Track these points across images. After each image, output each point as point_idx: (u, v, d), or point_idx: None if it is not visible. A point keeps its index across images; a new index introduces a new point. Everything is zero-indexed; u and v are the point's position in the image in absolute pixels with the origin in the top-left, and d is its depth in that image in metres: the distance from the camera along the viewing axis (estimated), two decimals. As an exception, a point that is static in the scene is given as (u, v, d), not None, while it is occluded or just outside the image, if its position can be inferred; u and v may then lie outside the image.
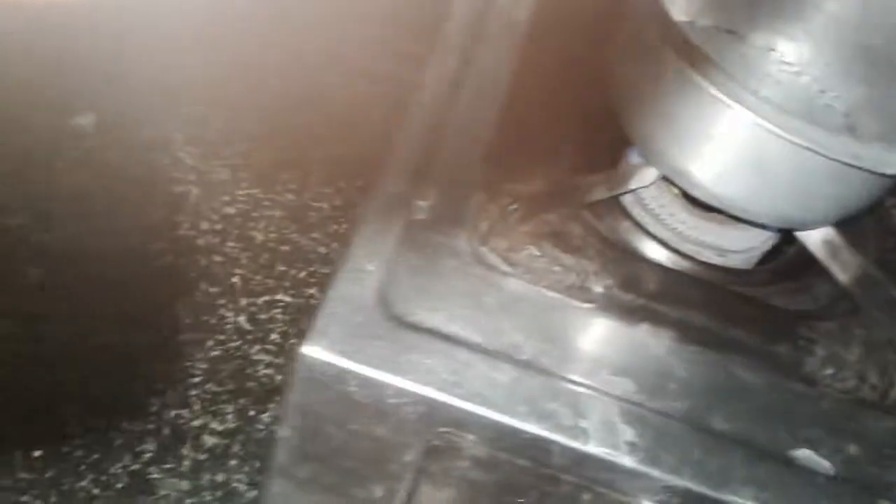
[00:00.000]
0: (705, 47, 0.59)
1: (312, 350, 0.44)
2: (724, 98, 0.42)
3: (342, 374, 0.44)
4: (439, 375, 0.44)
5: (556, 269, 0.49)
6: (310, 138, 0.81)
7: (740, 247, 0.56)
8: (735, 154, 0.45)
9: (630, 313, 0.49)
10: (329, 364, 0.44)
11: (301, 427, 0.46)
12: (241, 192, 0.75)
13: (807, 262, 0.55)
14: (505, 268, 0.49)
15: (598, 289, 0.49)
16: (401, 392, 0.44)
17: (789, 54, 0.60)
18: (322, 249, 0.73)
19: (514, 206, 0.49)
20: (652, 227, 0.56)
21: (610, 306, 0.49)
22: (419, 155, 0.53)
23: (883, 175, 0.43)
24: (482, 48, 0.60)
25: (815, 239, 0.53)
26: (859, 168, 0.42)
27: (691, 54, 0.43)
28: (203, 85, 0.81)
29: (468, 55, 0.60)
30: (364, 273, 0.47)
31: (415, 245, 0.49)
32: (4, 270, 0.64)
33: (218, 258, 0.70)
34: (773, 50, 0.60)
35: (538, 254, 0.49)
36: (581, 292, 0.49)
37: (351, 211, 0.75)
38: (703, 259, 0.55)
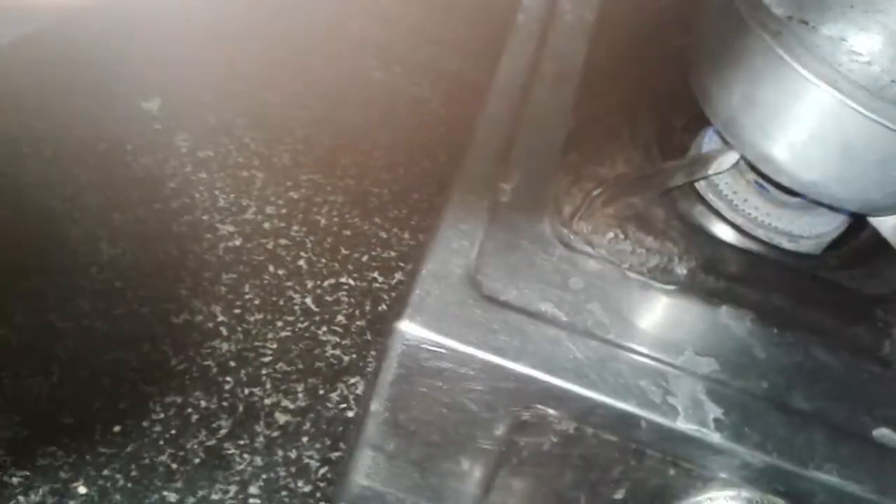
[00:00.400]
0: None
1: (409, 326, 0.45)
2: (813, 79, 0.43)
3: (437, 351, 0.45)
4: (530, 352, 0.45)
5: (640, 251, 0.50)
6: (367, 126, 0.82)
7: (812, 232, 0.57)
8: (822, 137, 0.46)
9: (712, 295, 0.50)
10: (425, 340, 0.45)
11: (394, 402, 0.47)
12: (303, 177, 0.76)
13: (876, 248, 0.56)
14: (589, 250, 0.50)
15: (681, 271, 0.50)
16: (494, 368, 0.45)
17: (860, 45, 0.60)
18: (383, 234, 0.74)
19: (598, 191, 0.50)
20: (726, 212, 0.57)
21: (692, 288, 0.50)
22: (500, 140, 0.54)
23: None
24: (555, 35, 0.61)
25: (888, 225, 0.54)
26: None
27: (781, 34, 0.44)
28: (259, 71, 0.82)
29: (542, 42, 0.61)
30: (454, 252, 0.48)
31: (501, 226, 0.50)
32: (82, 250, 0.65)
33: (284, 241, 0.71)
34: (844, 40, 0.61)
35: (622, 236, 0.50)
36: (664, 274, 0.50)
37: (409, 197, 0.76)
38: (776, 244, 0.56)
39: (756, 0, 0.46)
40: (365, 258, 0.73)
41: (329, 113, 0.82)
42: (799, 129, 0.46)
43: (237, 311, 0.67)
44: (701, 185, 0.57)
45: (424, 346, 0.45)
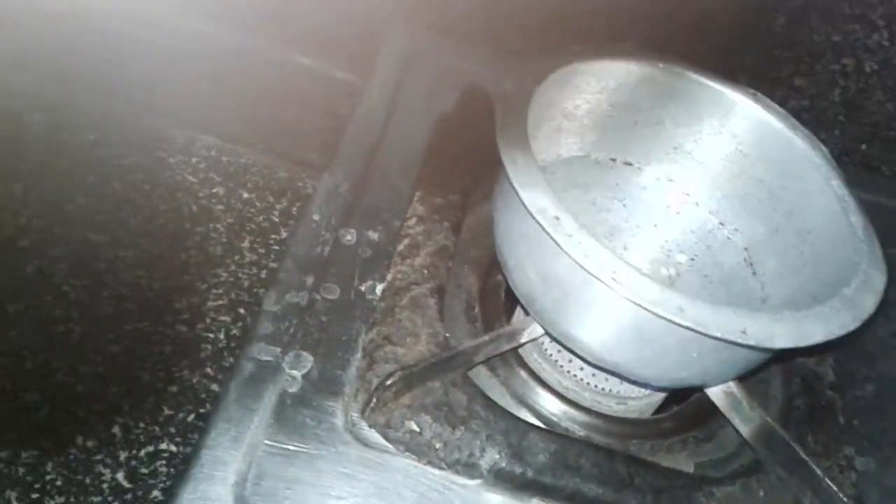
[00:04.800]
0: (605, 179, 0.58)
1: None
2: (595, 274, 0.39)
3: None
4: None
5: (439, 445, 0.45)
6: (206, 263, 0.77)
7: (640, 393, 0.53)
8: (615, 325, 0.43)
9: (520, 488, 0.46)
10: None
11: None
12: (127, 328, 0.70)
13: (712, 407, 0.52)
14: (385, 445, 0.45)
15: (485, 464, 0.45)
16: None
17: (687, 185, 0.58)
18: (214, 387, 0.68)
19: (395, 377, 0.45)
20: (549, 376, 0.53)
21: (498, 482, 0.45)
22: (294, 312, 0.50)
23: (771, 350, 0.41)
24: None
25: (715, 390, 0.50)
26: (746, 346, 0.39)
27: (559, 221, 0.40)
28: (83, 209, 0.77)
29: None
30: (223, 468, 0.43)
31: (285, 424, 0.45)
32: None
33: (97, 406, 0.65)
34: (671, 181, 0.59)
35: (417, 430, 0.45)
36: (467, 469, 0.45)
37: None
38: (602, 410, 0.53)
39: (535, 187, 0.42)
40: (191, 417, 0.67)
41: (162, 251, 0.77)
42: (592, 315, 0.43)
43: (35, 495, 0.60)
44: (525, 349, 0.54)
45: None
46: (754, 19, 0.74)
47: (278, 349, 0.48)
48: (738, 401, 0.49)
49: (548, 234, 0.40)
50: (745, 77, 0.64)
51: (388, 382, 0.45)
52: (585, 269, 0.39)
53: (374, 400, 0.45)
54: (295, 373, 0.47)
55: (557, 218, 0.41)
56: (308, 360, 0.48)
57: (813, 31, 0.73)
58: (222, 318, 0.74)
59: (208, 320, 0.74)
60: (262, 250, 0.79)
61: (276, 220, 0.82)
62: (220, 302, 0.75)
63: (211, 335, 0.73)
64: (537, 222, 0.40)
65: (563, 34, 0.74)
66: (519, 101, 0.47)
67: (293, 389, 0.46)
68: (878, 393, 0.55)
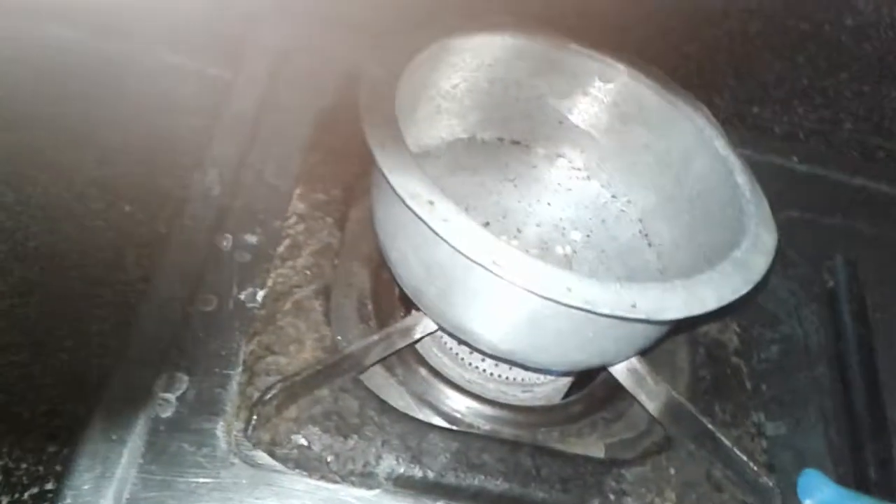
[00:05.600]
0: (493, 160, 0.56)
1: None
2: (475, 260, 0.36)
3: None
4: None
5: (330, 458, 0.42)
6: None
7: (545, 379, 0.51)
8: (504, 311, 0.40)
9: (422, 492, 0.43)
10: None
11: None
12: (1, 362, 0.64)
13: (619, 386, 0.50)
14: (273, 464, 0.42)
15: (383, 472, 0.42)
16: None
17: (577, 160, 0.56)
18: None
19: (276, 388, 0.42)
20: (451, 371, 0.51)
21: (398, 489, 0.43)
22: (162, 334, 0.46)
23: (663, 322, 0.39)
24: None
25: (619, 368, 0.48)
26: (638, 321, 0.37)
27: (433, 205, 0.38)
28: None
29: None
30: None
31: (159, 453, 0.41)
32: None
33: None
34: (560, 156, 0.57)
35: (305, 443, 0.42)
36: (364, 479, 0.42)
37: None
38: (509, 400, 0.50)
39: (406, 171, 0.39)
40: None
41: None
42: (479, 303, 0.40)
43: None
44: (423, 344, 0.51)
45: None
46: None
47: (148, 372, 0.44)
48: (642, 377, 0.48)
49: (422, 220, 0.37)
50: (632, 51, 0.62)
51: (269, 396, 0.41)
52: (465, 255, 0.37)
53: (256, 416, 0.42)
54: (168, 395, 0.43)
55: (432, 203, 0.38)
56: (183, 380, 0.44)
57: (694, -4, 0.72)
58: (109, 342, 0.69)
59: (93, 345, 0.69)
60: (147, 264, 0.74)
61: (162, 231, 0.77)
62: (104, 325, 0.70)
63: (96, 360, 0.68)
64: (410, 209, 0.38)
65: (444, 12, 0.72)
66: (385, 83, 0.44)
67: (167, 414, 0.43)
68: (782, 355, 0.54)
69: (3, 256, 0.71)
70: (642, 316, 0.37)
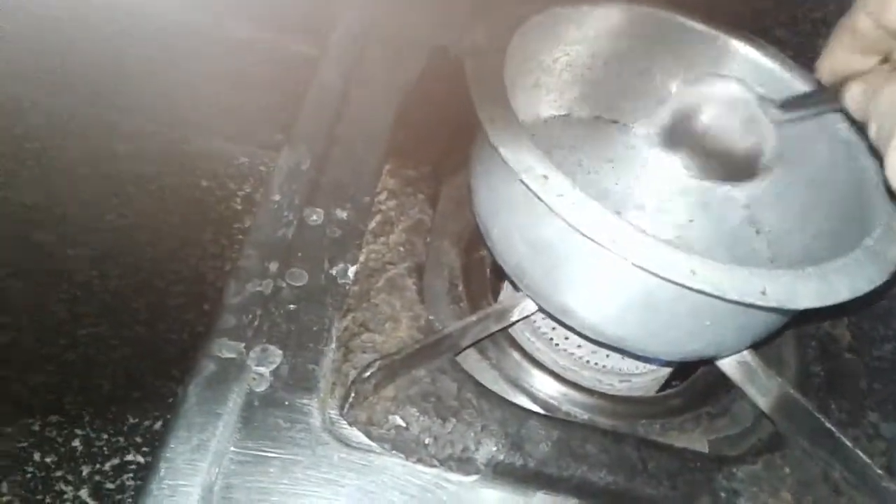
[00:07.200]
0: (590, 139, 0.54)
1: None
2: (592, 237, 0.34)
3: None
4: None
5: (429, 440, 0.40)
6: (164, 257, 0.71)
7: (644, 369, 0.49)
8: (617, 294, 0.38)
9: (522, 482, 0.41)
10: None
11: None
12: (82, 332, 0.64)
13: (723, 379, 0.48)
14: (369, 444, 0.40)
15: (482, 458, 0.41)
16: None
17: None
18: (181, 391, 0.62)
19: (374, 367, 0.40)
20: (544, 356, 0.49)
21: (497, 477, 0.41)
22: (255, 307, 0.45)
23: (794, 310, 0.37)
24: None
25: (728, 361, 0.46)
26: (766, 309, 0.35)
27: (547, 179, 0.36)
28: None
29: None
30: (186, 480, 0.38)
31: (254, 427, 0.40)
32: None
33: (54, 418, 0.59)
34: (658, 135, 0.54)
35: (403, 424, 0.40)
36: (462, 464, 0.41)
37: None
38: (604, 389, 0.48)
39: (518, 146, 0.37)
40: (158, 425, 0.61)
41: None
42: (590, 284, 0.38)
43: (-13, 523, 0.54)
44: (516, 328, 0.49)
45: None
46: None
47: (242, 345, 0.43)
48: (754, 371, 0.45)
49: (536, 195, 0.36)
50: (748, 28, 0.59)
51: (368, 374, 0.40)
52: (581, 233, 0.35)
53: (353, 394, 0.40)
54: (262, 369, 0.42)
55: (546, 177, 0.36)
56: (276, 354, 0.43)
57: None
58: (185, 316, 0.69)
59: (170, 320, 0.69)
60: (224, 241, 0.73)
61: (239, 207, 0.76)
62: (181, 300, 0.70)
63: (174, 335, 0.68)
64: (523, 183, 0.36)
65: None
66: (493, 53, 0.42)
67: (261, 388, 0.41)
68: (897, 352, 0.51)
69: (79, 230, 0.71)
70: (773, 303, 0.34)
